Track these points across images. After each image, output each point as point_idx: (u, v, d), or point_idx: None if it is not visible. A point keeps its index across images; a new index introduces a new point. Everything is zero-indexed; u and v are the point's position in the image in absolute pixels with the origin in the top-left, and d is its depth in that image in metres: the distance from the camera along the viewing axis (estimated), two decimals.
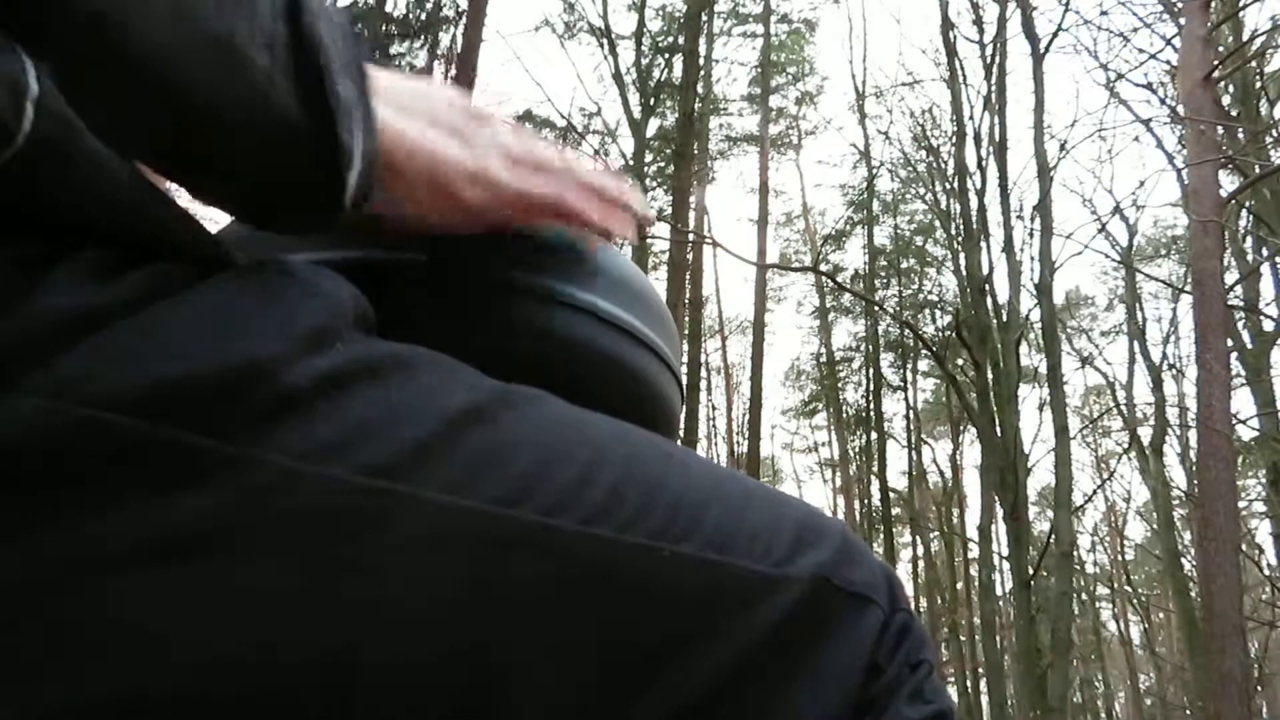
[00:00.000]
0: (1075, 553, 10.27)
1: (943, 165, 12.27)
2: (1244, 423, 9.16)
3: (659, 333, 0.56)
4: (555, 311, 0.51)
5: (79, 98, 0.29)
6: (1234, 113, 9.52)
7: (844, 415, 18.52)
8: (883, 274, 16.59)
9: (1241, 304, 9.60)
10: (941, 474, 18.82)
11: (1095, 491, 15.54)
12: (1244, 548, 7.70)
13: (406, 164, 0.42)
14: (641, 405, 0.55)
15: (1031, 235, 10.40)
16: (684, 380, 0.62)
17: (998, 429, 9.59)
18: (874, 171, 15.12)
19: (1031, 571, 9.11)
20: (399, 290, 0.48)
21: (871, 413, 16.17)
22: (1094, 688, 22.16)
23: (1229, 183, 7.61)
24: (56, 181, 0.30)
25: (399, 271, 0.49)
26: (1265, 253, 10.80)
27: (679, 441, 0.54)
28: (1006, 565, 10.24)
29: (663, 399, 0.57)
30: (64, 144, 0.29)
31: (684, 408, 0.65)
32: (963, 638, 16.89)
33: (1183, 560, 13.70)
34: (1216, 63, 6.74)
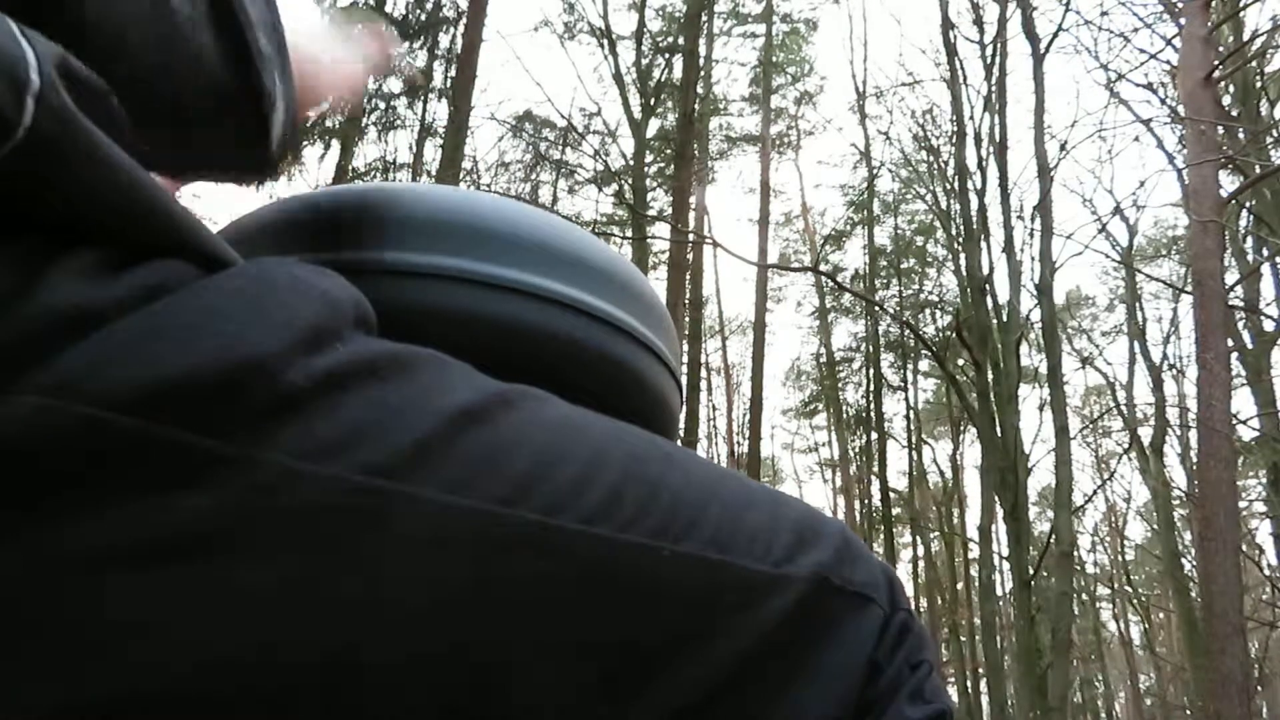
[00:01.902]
0: (1075, 553, 10.26)
1: (943, 165, 12.27)
2: (1244, 423, 9.15)
3: (659, 334, 0.56)
4: (557, 313, 0.51)
5: None
6: (1234, 113, 9.51)
7: (844, 415, 18.53)
8: (883, 274, 16.59)
9: (1241, 304, 9.60)
10: (941, 474, 18.84)
11: (1095, 491, 15.51)
12: (1244, 548, 7.70)
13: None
14: (641, 405, 0.55)
15: (1032, 235, 10.39)
16: (683, 381, 0.62)
17: (998, 429, 9.58)
18: (874, 172, 15.13)
19: (1031, 571, 9.11)
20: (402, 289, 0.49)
21: (871, 413, 16.18)
22: (1094, 688, 22.16)
23: (1229, 183, 7.62)
24: (56, 177, 0.30)
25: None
26: (1265, 253, 10.79)
27: (679, 441, 0.54)
28: (1006, 565, 10.24)
29: (662, 399, 0.57)
30: (64, 140, 0.29)
31: (684, 408, 0.65)
32: (963, 638, 16.88)
33: (1183, 560, 13.70)
34: (1217, 63, 6.74)
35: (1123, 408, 15.22)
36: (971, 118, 10.93)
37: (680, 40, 12.79)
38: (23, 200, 0.29)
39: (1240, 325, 10.06)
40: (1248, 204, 9.72)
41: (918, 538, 18.29)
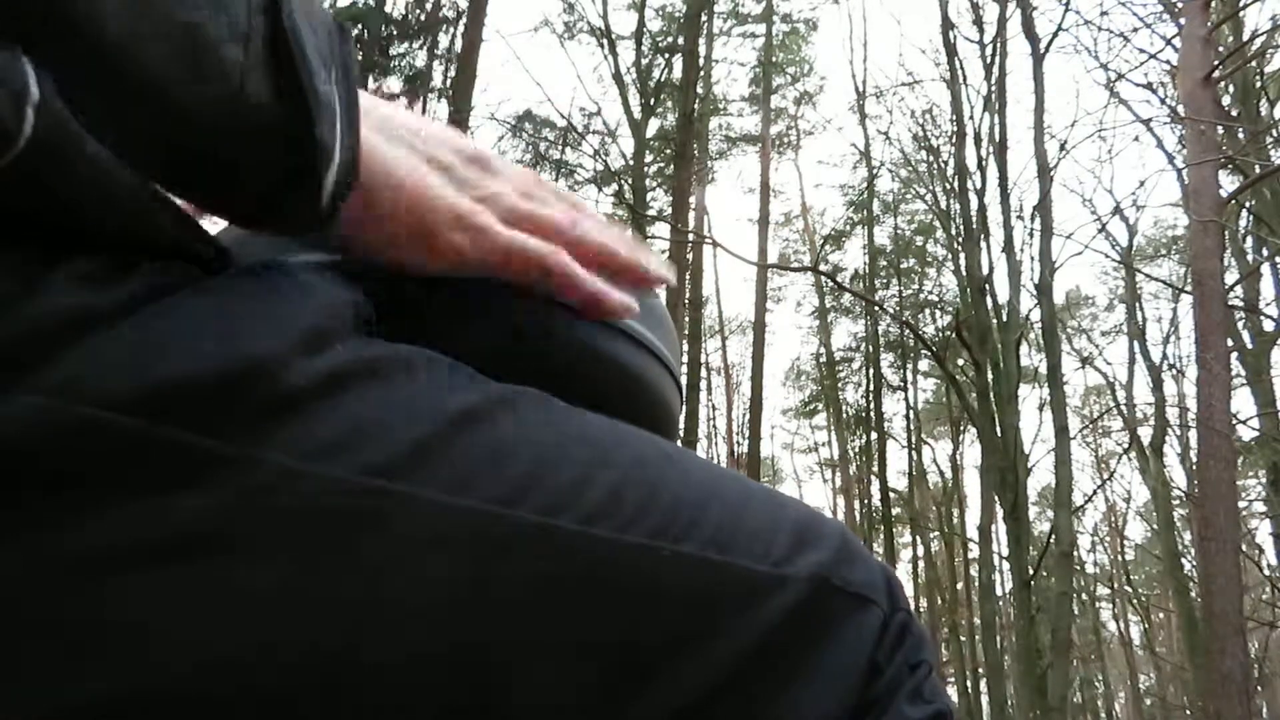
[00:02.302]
0: (1075, 553, 10.27)
1: (943, 165, 12.28)
2: (1244, 423, 9.16)
3: (659, 335, 0.56)
4: (557, 314, 0.51)
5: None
6: (1234, 113, 9.52)
7: (844, 415, 18.54)
8: (883, 274, 16.60)
9: (1241, 304, 9.60)
10: (941, 474, 18.85)
11: (1095, 491, 15.55)
12: (1244, 548, 7.70)
13: (390, 196, 0.41)
14: (641, 407, 0.55)
15: (1031, 235, 10.40)
16: (683, 382, 0.62)
17: (998, 429, 9.59)
18: (874, 171, 15.14)
19: (1031, 572, 9.12)
20: (403, 289, 0.48)
21: (871, 413, 16.18)
22: (1094, 688, 22.17)
23: (1229, 183, 7.63)
24: (57, 184, 0.30)
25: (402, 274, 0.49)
26: (1265, 253, 10.80)
27: (678, 442, 0.54)
28: (1006, 565, 10.25)
29: (663, 401, 0.57)
30: (64, 147, 0.29)
31: (684, 409, 0.65)
32: (963, 638, 16.89)
33: (1183, 560, 13.71)
34: (1216, 63, 6.74)
35: (1122, 408, 15.23)
36: (971, 118, 10.95)
37: (680, 40, 12.79)
38: (24, 206, 0.29)
39: (1240, 325, 10.07)
40: (1248, 204, 9.73)
41: (917, 538, 18.31)
